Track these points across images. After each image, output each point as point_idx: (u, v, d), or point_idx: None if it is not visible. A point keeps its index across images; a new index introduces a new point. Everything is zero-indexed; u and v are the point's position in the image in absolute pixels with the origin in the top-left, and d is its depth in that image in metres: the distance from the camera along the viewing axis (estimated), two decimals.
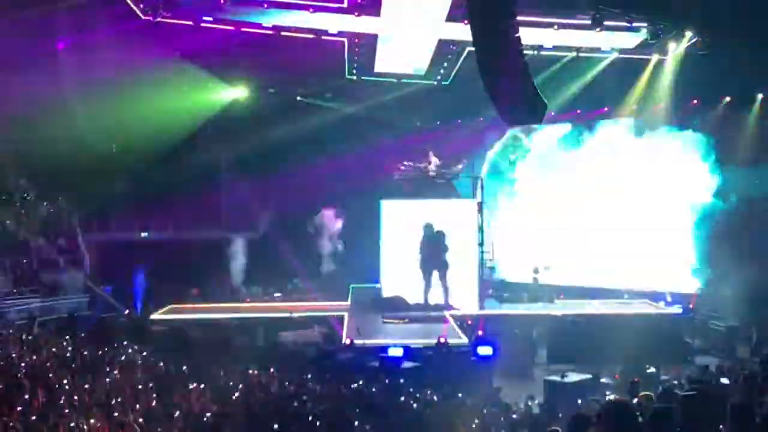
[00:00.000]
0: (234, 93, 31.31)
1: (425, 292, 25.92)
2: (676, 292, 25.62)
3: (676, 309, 24.61)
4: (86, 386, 14.13)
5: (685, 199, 26.24)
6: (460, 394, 16.38)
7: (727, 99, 25.73)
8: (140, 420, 11.58)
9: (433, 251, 25.96)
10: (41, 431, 10.94)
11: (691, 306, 24.82)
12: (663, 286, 26.11)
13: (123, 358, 18.05)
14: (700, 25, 22.45)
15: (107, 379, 15.02)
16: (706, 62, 23.14)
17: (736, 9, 19.39)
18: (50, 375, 15.26)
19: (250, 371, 17.52)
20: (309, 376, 17.85)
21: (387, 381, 17.66)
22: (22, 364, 16.22)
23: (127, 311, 25.31)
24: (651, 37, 23.53)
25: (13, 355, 17.25)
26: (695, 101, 26.75)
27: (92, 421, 11.34)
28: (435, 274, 25.93)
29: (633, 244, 27.15)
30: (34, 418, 11.46)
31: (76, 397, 13.12)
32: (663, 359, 19.87)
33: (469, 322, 23.74)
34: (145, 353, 19.02)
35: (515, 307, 26.31)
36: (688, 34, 23.58)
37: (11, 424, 10.93)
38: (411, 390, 16.66)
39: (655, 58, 25.68)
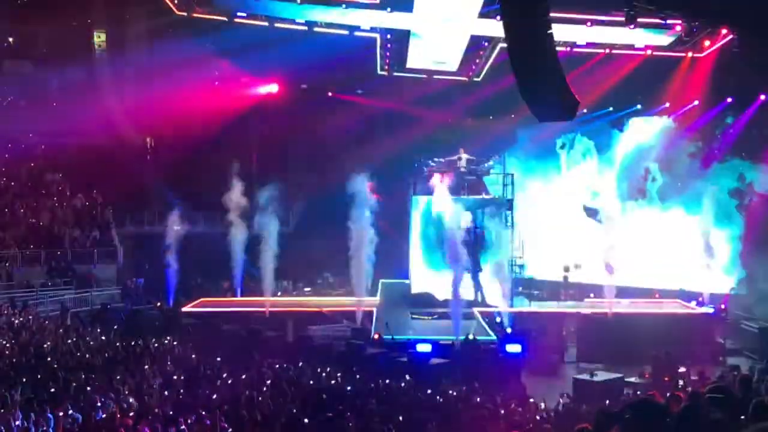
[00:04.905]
0: (267, 88, 31.48)
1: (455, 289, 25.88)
2: (708, 292, 25.33)
3: (708, 309, 24.35)
4: (118, 377, 14.33)
5: (717, 197, 26.04)
6: (487, 391, 16.37)
7: (762, 97, 25.44)
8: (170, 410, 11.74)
9: (470, 251, 25.91)
10: (74, 420, 11.13)
11: (723, 306, 24.56)
12: (696, 286, 25.82)
13: (154, 349, 18.26)
14: (735, 23, 22.18)
15: (139, 371, 15.21)
16: (741, 60, 22.90)
17: None
18: (83, 365, 15.50)
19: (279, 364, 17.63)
20: (338, 370, 17.91)
21: (415, 376, 17.67)
22: (57, 354, 16.49)
23: (159, 304, 25.52)
24: (685, 35, 23.33)
25: (47, 344, 17.55)
26: (729, 99, 26.45)
27: (124, 411, 11.51)
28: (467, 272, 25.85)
29: (665, 243, 26.97)
30: (68, 406, 11.66)
31: (108, 387, 13.32)
32: (694, 359, 19.71)
33: (498, 320, 23.65)
34: (176, 345, 19.24)
35: (544, 305, 26.18)
36: (723, 31, 23.35)
37: (47, 411, 11.14)
38: (439, 386, 16.67)
39: (689, 55, 25.44)
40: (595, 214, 29.92)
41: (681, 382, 16.92)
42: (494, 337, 21.53)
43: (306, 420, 11.65)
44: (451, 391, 16.05)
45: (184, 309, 24.86)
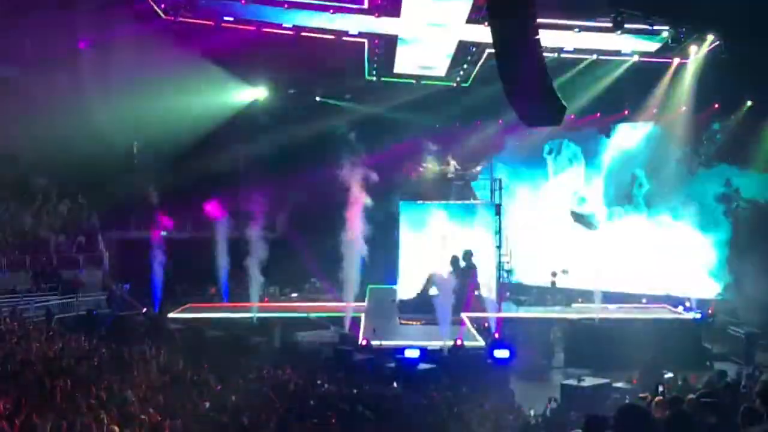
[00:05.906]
0: (254, 93, 31.40)
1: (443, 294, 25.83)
2: (695, 297, 25.38)
3: (695, 314, 24.42)
4: (104, 384, 14.20)
5: (704, 203, 26.15)
6: (475, 397, 16.34)
7: (748, 103, 25.55)
8: (156, 417, 11.64)
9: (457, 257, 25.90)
10: (59, 427, 11.01)
11: (710, 311, 24.62)
12: (683, 291, 25.88)
13: (140, 356, 18.12)
14: (722, 29, 22.29)
15: (124, 377, 15.09)
16: (728, 66, 22.99)
17: (757, 13, 19.21)
18: (68, 372, 15.37)
19: (266, 370, 17.53)
20: (325, 376, 17.84)
21: (403, 382, 17.63)
22: (41, 361, 16.34)
23: (144, 309, 25.38)
24: (672, 41, 23.40)
25: (32, 351, 17.39)
26: (716, 105, 26.55)
27: (109, 418, 11.40)
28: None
29: (652, 248, 27.02)
30: (52, 414, 11.53)
31: (93, 394, 13.19)
32: (681, 365, 19.72)
33: (486, 325, 23.65)
34: (162, 352, 19.09)
35: (532, 310, 26.19)
36: (710, 37, 23.44)
37: (30, 419, 11.02)
38: (427, 392, 16.63)
39: (676, 61, 25.53)
40: (583, 220, 30.04)
41: (661, 388, 16.92)
42: (482, 343, 21.53)
43: (293, 426, 11.59)
44: (438, 397, 16.01)
45: (171, 315, 24.75)
